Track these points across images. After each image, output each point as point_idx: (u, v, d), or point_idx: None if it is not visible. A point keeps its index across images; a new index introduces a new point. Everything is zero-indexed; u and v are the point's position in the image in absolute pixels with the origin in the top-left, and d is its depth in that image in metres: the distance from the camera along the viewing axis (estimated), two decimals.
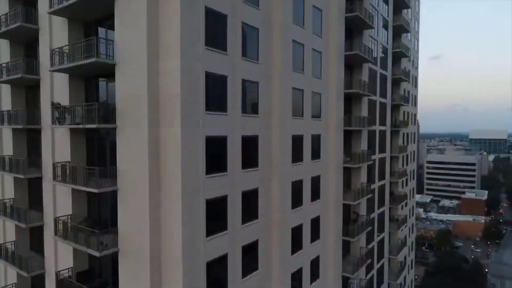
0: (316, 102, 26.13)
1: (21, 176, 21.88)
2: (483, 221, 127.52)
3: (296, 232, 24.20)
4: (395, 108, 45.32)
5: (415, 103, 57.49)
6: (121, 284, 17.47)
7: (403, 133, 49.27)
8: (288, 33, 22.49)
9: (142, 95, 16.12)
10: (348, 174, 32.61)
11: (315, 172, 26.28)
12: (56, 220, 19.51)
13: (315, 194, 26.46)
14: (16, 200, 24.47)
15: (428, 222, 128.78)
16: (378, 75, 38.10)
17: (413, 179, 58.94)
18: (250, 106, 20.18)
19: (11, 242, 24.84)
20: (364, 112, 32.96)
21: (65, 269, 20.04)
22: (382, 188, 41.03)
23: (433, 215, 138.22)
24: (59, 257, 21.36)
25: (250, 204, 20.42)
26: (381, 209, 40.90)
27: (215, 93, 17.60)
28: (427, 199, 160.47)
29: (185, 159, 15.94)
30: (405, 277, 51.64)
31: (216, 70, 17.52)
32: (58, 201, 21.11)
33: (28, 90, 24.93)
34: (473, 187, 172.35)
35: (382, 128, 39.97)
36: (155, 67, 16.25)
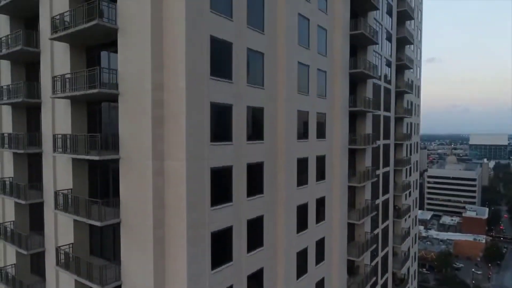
0: (321, 80, 25.64)
1: (21, 151, 21.41)
2: (483, 240, 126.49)
3: (302, 211, 23.70)
4: (399, 96, 44.84)
5: (418, 94, 57.02)
6: (123, 256, 16.97)
7: (407, 123, 48.81)
8: (293, 6, 22.02)
9: (146, 57, 15.68)
10: (352, 157, 32.11)
11: (321, 151, 25.77)
12: (56, 194, 19.04)
13: (321, 174, 25.96)
14: (15, 178, 23.98)
15: (429, 242, 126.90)
16: (383, 60, 37.63)
17: (416, 171, 58.48)
18: (254, 77, 19.69)
19: (10, 222, 24.33)
20: (369, 94, 32.47)
21: (66, 245, 19.55)
22: (386, 175, 40.53)
23: (433, 233, 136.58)
24: (59, 233, 20.84)
25: (255, 178, 19.93)
26: (385, 197, 40.40)
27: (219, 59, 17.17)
28: (428, 215, 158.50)
29: (190, 124, 15.49)
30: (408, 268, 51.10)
31: (222, 36, 17.11)
32: (59, 176, 20.59)
33: (28, 67, 24.43)
34: (473, 203, 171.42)
35: (387, 114, 39.50)
36: (159, 32, 15.81)
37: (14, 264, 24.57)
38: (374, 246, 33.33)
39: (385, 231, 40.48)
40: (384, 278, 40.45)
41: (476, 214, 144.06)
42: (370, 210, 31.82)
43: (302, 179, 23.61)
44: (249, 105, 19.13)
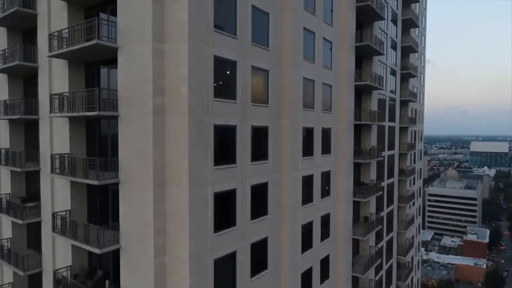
0: (327, 50, 24.90)
1: (17, 117, 20.75)
2: (484, 265, 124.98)
3: (307, 183, 22.96)
4: (404, 79, 44.11)
5: (423, 82, 56.27)
6: (122, 217, 16.23)
7: (411, 109, 48.08)
8: None
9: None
10: (358, 136, 31.37)
11: (326, 124, 25.03)
12: (53, 157, 18.34)
13: (327, 148, 25.22)
14: (12, 147, 23.30)
15: (429, 267, 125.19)
16: (389, 40, 36.91)
17: (420, 159, 57.75)
18: (259, 36, 18.95)
19: (6, 194, 23.63)
20: (375, 70, 31.75)
21: (63, 211, 18.81)
22: (391, 158, 39.79)
23: (434, 256, 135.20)
24: (56, 202, 20.11)
25: (260, 143, 19.18)
26: (390, 180, 39.65)
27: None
28: (429, 235, 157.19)
29: (192, 78, 14.78)
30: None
31: None
32: (55, 142, 19.82)
33: (24, 33, 23.70)
34: (474, 222, 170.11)
35: (392, 96, 38.77)
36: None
37: (10, 238, 23.88)
38: (379, 227, 32.59)
39: (389, 215, 39.72)
40: (389, 263, 39.69)
41: (477, 237, 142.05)
42: (375, 190, 31.08)
43: (307, 150, 22.87)
44: (254, 65, 18.39)
